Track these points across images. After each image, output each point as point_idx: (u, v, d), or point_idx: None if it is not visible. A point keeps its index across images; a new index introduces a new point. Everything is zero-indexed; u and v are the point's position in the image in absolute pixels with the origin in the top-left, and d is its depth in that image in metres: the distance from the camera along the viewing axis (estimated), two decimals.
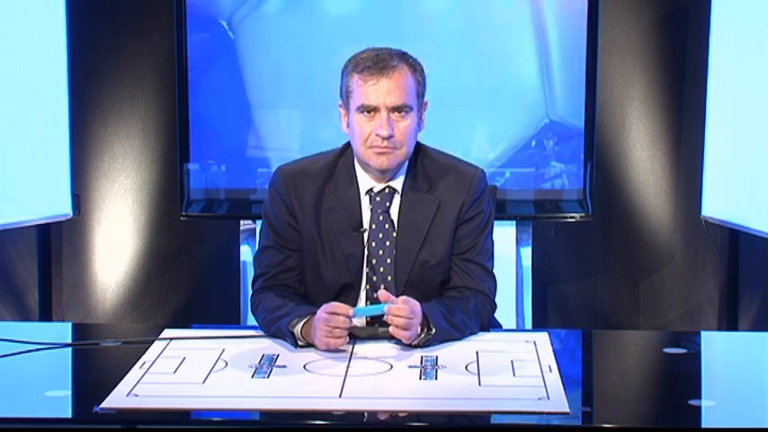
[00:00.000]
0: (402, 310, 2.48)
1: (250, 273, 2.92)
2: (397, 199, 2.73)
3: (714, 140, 4.15)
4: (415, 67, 2.69)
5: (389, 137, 2.63)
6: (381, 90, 2.63)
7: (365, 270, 2.72)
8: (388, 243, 2.72)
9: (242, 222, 4.37)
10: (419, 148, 2.77)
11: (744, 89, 3.97)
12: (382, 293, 2.52)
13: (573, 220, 4.17)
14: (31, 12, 4.01)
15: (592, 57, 4.07)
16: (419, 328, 2.52)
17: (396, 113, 2.64)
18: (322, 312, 2.49)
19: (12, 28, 3.94)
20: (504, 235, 4.07)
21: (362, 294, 2.73)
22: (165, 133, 4.46)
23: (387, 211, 2.72)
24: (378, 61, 2.64)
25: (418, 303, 2.52)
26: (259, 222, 3.72)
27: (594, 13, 4.06)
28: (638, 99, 4.47)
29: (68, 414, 2.22)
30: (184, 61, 4.12)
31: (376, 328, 2.62)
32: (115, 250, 4.54)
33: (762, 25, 3.85)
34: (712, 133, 4.16)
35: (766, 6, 3.84)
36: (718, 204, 4.15)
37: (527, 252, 4.29)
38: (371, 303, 2.71)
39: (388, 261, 2.72)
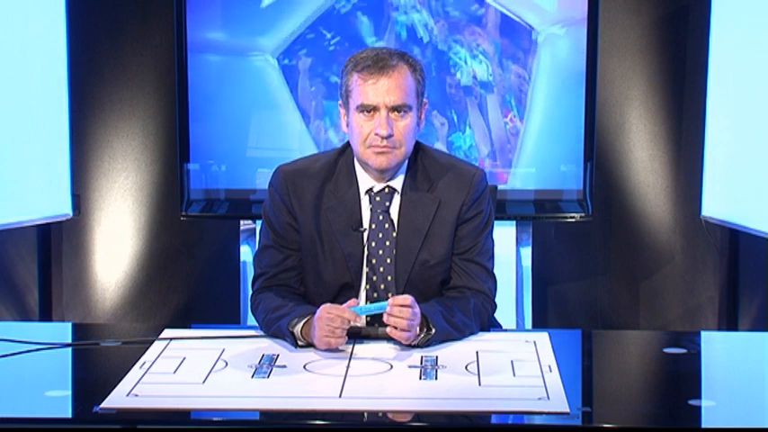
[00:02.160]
0: (404, 312, 2.48)
1: (250, 273, 2.92)
2: (396, 198, 2.73)
3: (714, 140, 4.16)
4: (415, 67, 2.69)
5: (389, 136, 2.63)
6: (381, 89, 2.63)
7: (365, 270, 2.72)
8: (387, 243, 2.72)
9: (242, 222, 4.38)
10: (419, 147, 2.76)
11: (744, 89, 3.97)
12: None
13: (573, 220, 4.17)
14: (31, 12, 4.01)
15: (592, 57, 4.07)
16: (418, 329, 2.52)
17: (395, 113, 2.64)
18: (323, 312, 2.49)
19: (12, 28, 3.94)
20: (504, 235, 4.07)
21: (362, 294, 2.73)
22: (165, 133, 4.46)
23: (386, 211, 2.72)
24: (377, 61, 2.64)
25: (417, 304, 2.52)
26: (259, 222, 3.72)
27: (594, 13, 4.06)
28: (638, 99, 4.47)
29: (68, 414, 2.22)
30: (184, 61, 4.13)
31: (376, 328, 2.62)
32: (115, 250, 4.54)
33: (762, 25, 3.85)
34: (712, 133, 4.16)
35: (766, 6, 3.84)
36: (718, 204, 4.15)
37: (527, 252, 4.29)
38: (371, 303, 2.71)
39: (388, 261, 2.72)
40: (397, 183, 2.73)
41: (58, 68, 4.10)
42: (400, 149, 2.66)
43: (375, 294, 2.72)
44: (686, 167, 4.45)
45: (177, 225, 4.42)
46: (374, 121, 2.64)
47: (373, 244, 2.72)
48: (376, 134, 2.63)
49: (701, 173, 4.22)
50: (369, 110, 2.64)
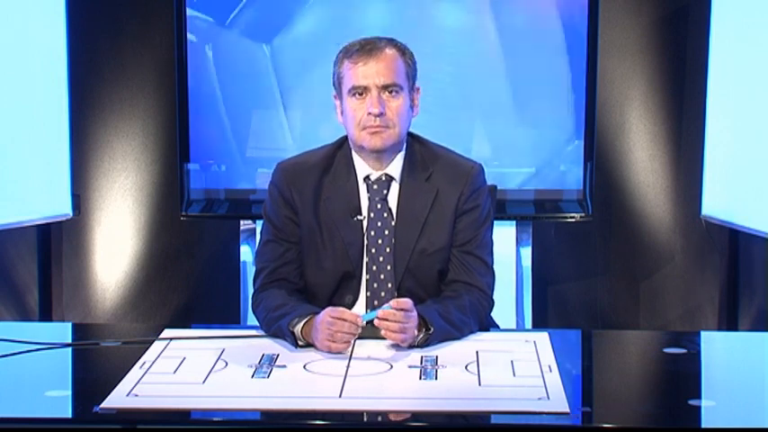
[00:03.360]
0: (397, 315, 2.48)
1: (250, 273, 2.93)
2: (394, 187, 2.74)
3: (714, 140, 4.15)
4: (404, 51, 2.73)
5: (380, 114, 2.65)
6: (371, 70, 2.66)
7: (365, 260, 2.73)
8: (386, 232, 2.73)
9: (242, 222, 4.37)
10: (415, 137, 2.79)
11: (744, 89, 3.97)
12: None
13: (573, 220, 4.17)
14: (31, 12, 4.01)
15: (592, 57, 4.07)
16: (415, 331, 2.52)
17: (386, 93, 2.67)
18: (325, 316, 2.49)
19: (12, 28, 3.94)
20: (504, 235, 4.07)
21: (363, 284, 2.74)
22: (165, 133, 4.46)
23: (384, 199, 2.73)
24: (366, 44, 2.69)
25: (413, 306, 2.52)
26: (259, 222, 3.72)
27: (594, 13, 4.06)
28: (638, 99, 4.47)
29: (68, 414, 2.22)
30: (184, 61, 4.12)
31: (376, 329, 2.62)
32: (115, 250, 4.54)
33: (762, 25, 3.85)
34: (712, 133, 4.16)
35: (766, 6, 3.84)
36: (718, 204, 4.15)
37: (527, 252, 4.29)
38: (371, 294, 2.72)
39: (388, 250, 2.72)
40: (395, 170, 2.74)
41: (58, 68, 4.10)
42: (394, 129, 2.68)
43: (375, 285, 2.73)
44: (686, 167, 4.45)
45: (177, 225, 4.42)
46: (366, 101, 2.67)
47: (372, 233, 2.73)
48: (369, 114, 2.65)
49: (701, 173, 4.22)
50: (360, 92, 2.67)
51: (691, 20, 4.38)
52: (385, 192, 2.74)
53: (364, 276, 2.74)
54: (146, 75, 4.46)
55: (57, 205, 4.15)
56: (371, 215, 2.73)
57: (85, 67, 4.37)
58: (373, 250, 2.73)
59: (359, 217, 2.73)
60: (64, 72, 4.11)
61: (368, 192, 2.74)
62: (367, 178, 2.74)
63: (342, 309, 2.52)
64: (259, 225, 3.74)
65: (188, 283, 4.62)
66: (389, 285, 2.71)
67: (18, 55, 3.96)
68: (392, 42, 2.72)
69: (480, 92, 4.11)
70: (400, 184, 2.74)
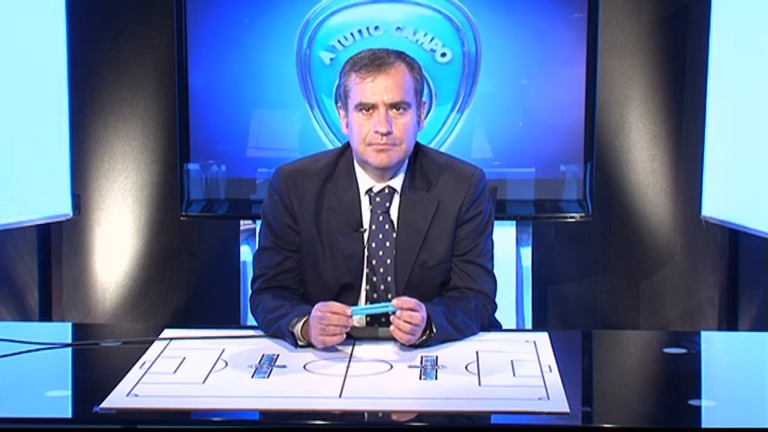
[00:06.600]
0: (414, 318, 2.48)
1: (250, 273, 2.93)
2: (396, 199, 2.73)
3: (714, 140, 4.16)
4: (413, 66, 2.69)
5: (388, 133, 2.63)
6: (379, 87, 2.63)
7: (365, 270, 2.72)
8: (387, 244, 2.72)
9: (242, 222, 4.37)
10: (418, 148, 2.76)
11: (744, 89, 3.97)
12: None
13: (573, 220, 4.17)
14: (31, 12, 4.01)
15: (592, 57, 4.07)
16: (420, 332, 2.52)
17: (394, 110, 2.64)
18: (315, 311, 2.50)
19: (12, 28, 3.94)
20: (504, 235, 4.07)
21: (363, 295, 2.73)
22: (165, 133, 4.46)
23: (386, 212, 2.72)
24: (375, 59, 2.65)
25: (425, 308, 2.52)
26: (259, 222, 3.72)
27: (594, 13, 4.06)
28: (638, 99, 4.47)
29: (68, 414, 2.22)
30: (184, 61, 4.12)
31: (376, 329, 2.63)
32: (115, 250, 4.54)
33: (762, 25, 3.85)
34: (712, 133, 4.16)
35: (766, 6, 3.84)
36: (718, 204, 4.15)
37: (527, 252, 4.29)
38: (370, 304, 2.72)
39: (388, 262, 2.72)
40: (397, 183, 2.72)
41: (58, 68, 4.10)
42: (400, 146, 2.66)
43: (375, 295, 2.72)
44: (686, 167, 4.45)
45: (177, 225, 4.42)
46: (373, 119, 2.64)
47: (373, 245, 2.72)
48: (375, 132, 2.63)
49: (701, 173, 4.22)
50: (367, 108, 2.64)
51: (691, 20, 4.38)
52: (387, 204, 2.72)
53: (364, 287, 2.74)
54: (146, 75, 4.46)
55: (57, 205, 4.15)
56: (373, 227, 2.72)
57: (85, 67, 4.37)
58: (374, 261, 2.72)
59: (360, 230, 2.72)
60: (64, 72, 4.11)
61: (370, 204, 2.72)
62: (369, 191, 2.72)
63: (330, 302, 2.51)
64: (259, 225, 3.74)
65: (188, 283, 4.62)
66: (389, 296, 2.69)
67: (18, 55, 3.96)
68: (401, 57, 2.67)
69: (480, 91, 4.11)
70: (401, 196, 2.72)
